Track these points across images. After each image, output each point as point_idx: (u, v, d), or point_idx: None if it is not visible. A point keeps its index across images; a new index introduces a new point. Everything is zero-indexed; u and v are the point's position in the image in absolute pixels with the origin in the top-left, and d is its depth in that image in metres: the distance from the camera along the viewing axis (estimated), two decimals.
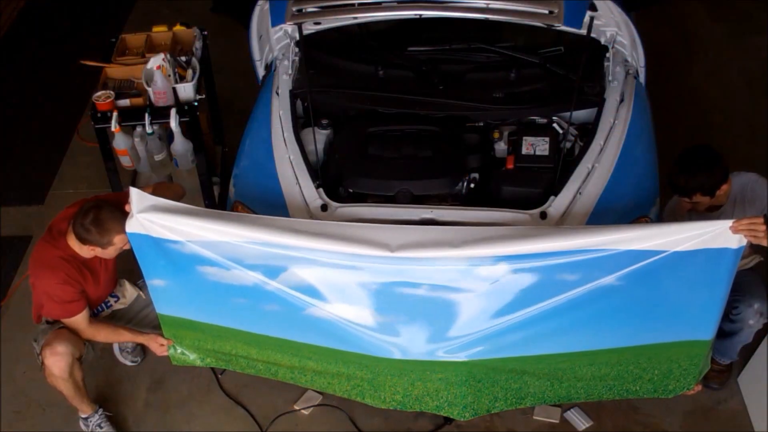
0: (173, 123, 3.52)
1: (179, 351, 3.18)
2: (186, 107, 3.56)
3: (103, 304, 3.27)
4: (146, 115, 3.50)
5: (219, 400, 3.43)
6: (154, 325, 3.20)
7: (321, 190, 3.10)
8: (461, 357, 2.87)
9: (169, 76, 3.55)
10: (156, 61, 3.53)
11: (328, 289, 2.79)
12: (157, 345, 3.17)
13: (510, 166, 3.24)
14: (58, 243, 3.00)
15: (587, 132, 3.26)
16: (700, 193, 3.00)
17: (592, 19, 2.96)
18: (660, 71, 4.95)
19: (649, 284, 2.68)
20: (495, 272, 2.70)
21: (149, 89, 3.52)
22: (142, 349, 3.57)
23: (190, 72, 3.67)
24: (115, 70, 3.76)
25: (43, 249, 3.02)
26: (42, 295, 3.04)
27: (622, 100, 3.32)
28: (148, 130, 3.53)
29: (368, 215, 3.02)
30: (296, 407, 3.36)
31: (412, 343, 2.87)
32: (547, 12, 2.84)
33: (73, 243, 2.98)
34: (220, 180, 4.20)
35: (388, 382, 3.02)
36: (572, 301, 2.71)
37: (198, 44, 3.92)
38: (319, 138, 3.39)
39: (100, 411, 3.26)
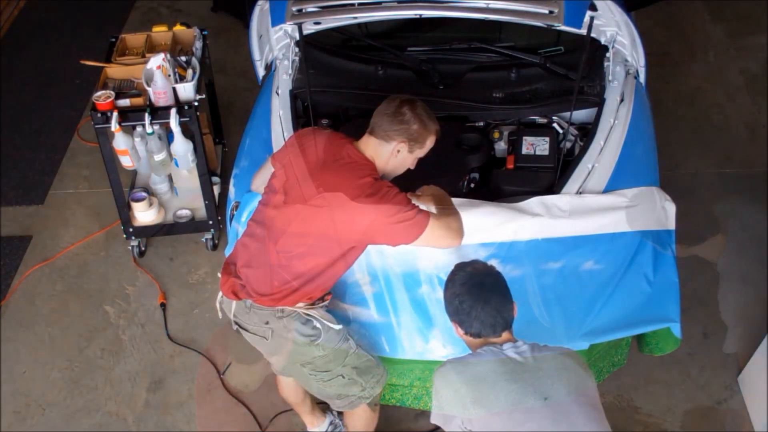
0: (173, 123, 3.52)
1: None
2: (186, 107, 3.56)
3: None
4: (146, 115, 3.50)
5: (219, 400, 3.43)
6: None
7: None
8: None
9: (169, 76, 3.56)
10: (156, 61, 3.53)
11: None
12: None
13: (510, 166, 3.24)
14: (357, 165, 2.48)
15: (587, 132, 3.26)
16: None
17: (592, 19, 2.95)
18: (660, 71, 4.96)
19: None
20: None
21: (149, 89, 3.52)
22: None
23: (190, 72, 3.68)
24: (115, 70, 3.77)
25: (344, 179, 2.44)
26: (377, 229, 2.42)
27: (622, 100, 3.32)
28: (148, 130, 3.53)
29: None
30: None
31: (411, 341, 2.87)
32: (547, 12, 2.84)
33: (392, 154, 2.51)
34: (220, 180, 4.20)
35: (387, 381, 3.02)
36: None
37: (198, 44, 3.93)
38: None
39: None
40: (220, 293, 2.68)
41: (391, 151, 2.53)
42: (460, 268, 2.35)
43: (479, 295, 2.25)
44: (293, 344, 2.59)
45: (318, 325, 2.57)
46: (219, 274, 2.66)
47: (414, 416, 3.30)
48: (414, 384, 3.02)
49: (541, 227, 2.83)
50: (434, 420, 2.26)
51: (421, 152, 2.59)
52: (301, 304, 2.55)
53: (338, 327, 2.61)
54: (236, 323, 2.69)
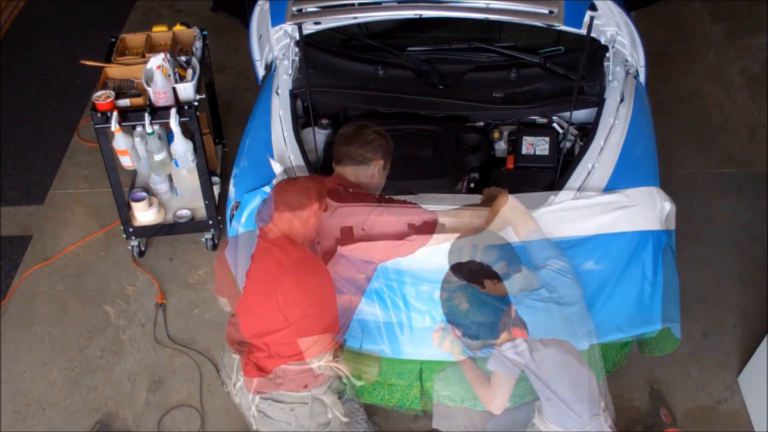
0: (173, 123, 3.52)
1: None
2: (186, 107, 3.56)
3: None
4: (146, 115, 3.50)
5: (219, 400, 3.43)
6: None
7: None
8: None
9: (169, 76, 3.56)
10: (156, 61, 3.53)
11: None
12: None
13: (510, 166, 3.24)
14: (355, 189, 2.62)
15: (587, 132, 3.26)
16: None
17: (592, 19, 2.96)
18: (660, 71, 4.96)
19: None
20: None
21: (149, 89, 3.52)
22: None
23: (190, 72, 3.67)
24: (115, 70, 3.77)
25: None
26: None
27: (622, 100, 3.32)
28: (148, 130, 3.53)
29: None
30: None
31: (411, 341, 2.87)
32: (547, 12, 2.84)
33: (373, 173, 2.68)
34: (220, 180, 4.20)
35: (387, 381, 3.02)
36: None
37: (198, 44, 3.93)
38: (319, 138, 3.39)
39: None
40: (238, 379, 2.54)
41: (372, 171, 2.68)
42: (455, 270, 2.35)
43: (476, 297, 2.25)
44: (322, 405, 2.53)
45: (345, 381, 2.57)
46: (241, 376, 2.52)
47: (414, 416, 3.30)
48: (414, 384, 3.02)
49: (541, 227, 2.82)
50: (436, 425, 2.25)
51: (388, 164, 2.74)
52: (329, 357, 2.49)
53: (360, 383, 2.64)
54: (266, 399, 2.52)
